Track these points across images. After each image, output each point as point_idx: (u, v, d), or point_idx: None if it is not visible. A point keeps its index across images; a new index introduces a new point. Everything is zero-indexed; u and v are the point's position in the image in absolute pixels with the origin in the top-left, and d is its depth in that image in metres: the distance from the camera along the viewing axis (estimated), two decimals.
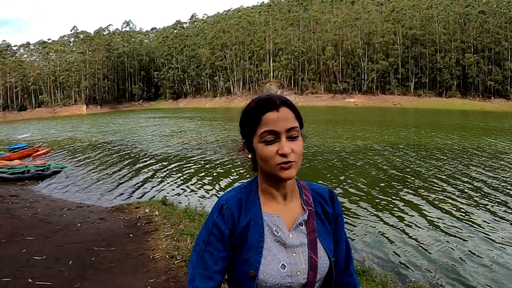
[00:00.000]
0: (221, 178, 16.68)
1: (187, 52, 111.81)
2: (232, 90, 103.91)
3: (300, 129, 1.42)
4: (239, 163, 19.57)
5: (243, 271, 1.38)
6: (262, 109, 1.36)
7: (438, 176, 16.16)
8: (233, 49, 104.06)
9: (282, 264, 1.37)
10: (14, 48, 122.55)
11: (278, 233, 1.40)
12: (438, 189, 14.25)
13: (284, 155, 1.32)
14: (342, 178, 16.23)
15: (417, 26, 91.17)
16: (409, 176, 16.23)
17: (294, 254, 1.40)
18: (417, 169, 17.78)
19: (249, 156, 1.46)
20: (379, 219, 11.17)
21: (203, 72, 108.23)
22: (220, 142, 28.63)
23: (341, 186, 14.92)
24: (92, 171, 19.26)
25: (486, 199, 12.96)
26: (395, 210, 11.95)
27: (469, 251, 8.98)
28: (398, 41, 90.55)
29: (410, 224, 10.77)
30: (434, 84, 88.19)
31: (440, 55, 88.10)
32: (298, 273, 1.38)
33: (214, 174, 17.69)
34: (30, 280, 5.22)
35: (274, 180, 1.42)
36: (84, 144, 30.75)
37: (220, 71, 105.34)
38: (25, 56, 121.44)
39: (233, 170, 18.17)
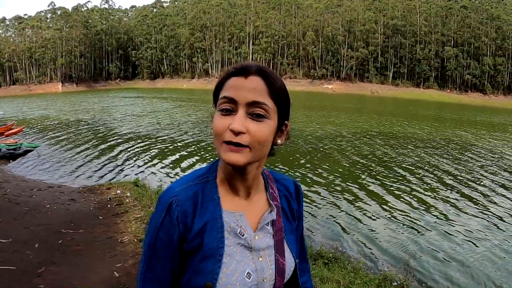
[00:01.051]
0: (196, 159, 16.77)
1: (166, 32, 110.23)
2: (210, 71, 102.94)
3: (284, 120, 1.21)
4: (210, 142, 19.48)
5: (196, 282, 1.14)
6: (231, 74, 1.16)
7: (406, 165, 16.47)
8: (213, 30, 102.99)
9: (248, 272, 1.17)
10: None
11: (243, 235, 1.19)
12: (402, 178, 14.57)
13: (233, 132, 1.08)
14: (303, 161, 16.46)
15: (399, 17, 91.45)
16: (376, 165, 16.46)
17: (260, 259, 1.21)
18: (382, 157, 18.08)
19: None
20: (346, 206, 11.34)
21: (181, 52, 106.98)
22: (194, 123, 28.60)
23: (303, 170, 15.08)
24: (65, 150, 18.98)
25: (450, 189, 13.31)
26: (360, 197, 12.17)
27: (441, 241, 9.19)
28: (379, 30, 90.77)
29: (382, 212, 10.98)
30: (413, 74, 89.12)
31: (420, 46, 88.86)
32: (265, 279, 1.21)
33: (189, 154, 17.70)
34: None
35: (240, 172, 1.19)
36: (57, 122, 30.16)
37: (199, 52, 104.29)
38: (0, 31, 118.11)
39: (208, 149, 18.24)
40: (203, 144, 20.38)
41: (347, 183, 13.67)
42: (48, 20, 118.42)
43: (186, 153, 18.11)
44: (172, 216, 1.13)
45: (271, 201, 1.29)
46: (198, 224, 1.14)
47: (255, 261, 1.19)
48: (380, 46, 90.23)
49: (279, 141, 1.23)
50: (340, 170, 15.52)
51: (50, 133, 24.80)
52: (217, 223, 1.16)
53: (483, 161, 18.24)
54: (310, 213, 10.55)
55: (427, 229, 9.86)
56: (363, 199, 12.02)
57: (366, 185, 13.51)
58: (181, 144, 19.89)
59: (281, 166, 15.26)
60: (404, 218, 10.59)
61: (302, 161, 16.45)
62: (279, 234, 1.27)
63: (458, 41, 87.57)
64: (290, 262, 1.28)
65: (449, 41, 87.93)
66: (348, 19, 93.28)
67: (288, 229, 1.32)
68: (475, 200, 12.39)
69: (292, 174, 14.49)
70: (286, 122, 1.23)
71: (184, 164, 15.98)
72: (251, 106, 1.10)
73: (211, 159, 16.97)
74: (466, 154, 19.73)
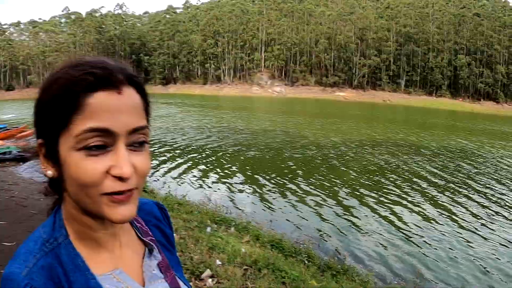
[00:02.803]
0: (206, 166, 16.73)
1: (178, 38, 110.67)
2: (222, 78, 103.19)
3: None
4: (221, 148, 19.53)
5: None
6: (89, 85, 0.76)
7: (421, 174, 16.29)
8: (225, 36, 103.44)
9: None
10: (4, 27, 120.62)
11: None
12: (414, 190, 14.41)
13: (121, 179, 0.77)
14: (307, 171, 16.44)
15: (411, 24, 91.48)
16: (387, 175, 16.39)
17: None
18: (394, 167, 17.95)
19: (48, 172, 0.83)
20: (355, 217, 11.25)
21: (194, 58, 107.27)
22: (202, 128, 28.67)
23: (310, 180, 15.02)
24: None
25: (462, 203, 13.14)
26: (369, 209, 12.06)
27: (455, 256, 9.03)
28: (391, 38, 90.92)
29: (390, 224, 10.87)
30: (425, 82, 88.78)
31: (433, 54, 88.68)
32: None
33: (199, 162, 17.65)
34: None
35: (98, 217, 0.83)
36: None
37: (211, 58, 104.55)
38: (15, 35, 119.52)
39: (214, 159, 18.24)
40: (212, 149, 20.37)
41: (355, 194, 13.56)
42: (62, 25, 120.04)
43: (198, 160, 18.07)
44: None
45: (144, 239, 0.99)
46: None
47: None
48: (393, 54, 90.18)
49: None
50: (349, 180, 15.45)
51: None
52: None
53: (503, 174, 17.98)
54: (318, 224, 10.49)
55: (438, 243, 9.68)
56: (372, 211, 11.90)
57: (376, 197, 13.34)
58: (195, 153, 19.90)
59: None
60: (414, 231, 10.44)
61: (308, 170, 16.45)
62: (169, 273, 1.00)
63: (471, 49, 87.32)
64: None
65: (462, 49, 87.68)
66: (360, 26, 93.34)
67: (173, 261, 1.06)
68: (491, 214, 12.16)
69: (297, 184, 14.45)
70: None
71: (196, 171, 15.93)
72: (133, 134, 0.80)
73: (215, 163, 16.89)
74: (482, 165, 19.52)
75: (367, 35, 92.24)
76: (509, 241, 9.91)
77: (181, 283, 1.01)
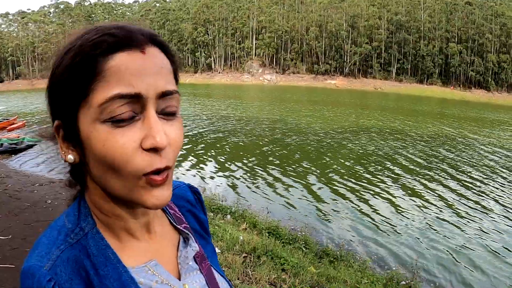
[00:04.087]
0: (200, 155, 16.73)
1: (169, 27, 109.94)
2: (213, 66, 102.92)
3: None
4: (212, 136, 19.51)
5: None
6: (108, 47, 0.66)
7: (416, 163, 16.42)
8: (215, 25, 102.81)
9: None
10: None
11: None
12: (410, 175, 14.56)
13: (156, 150, 0.67)
14: (301, 157, 16.45)
15: (403, 12, 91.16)
16: (382, 161, 16.51)
17: None
18: (389, 153, 17.99)
19: (69, 156, 0.73)
20: (352, 203, 11.38)
21: (184, 47, 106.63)
22: (195, 117, 28.56)
23: (305, 167, 15.02)
24: None
25: (459, 187, 13.33)
26: (365, 195, 12.20)
27: (454, 243, 9.13)
28: (383, 25, 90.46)
29: (388, 210, 11.02)
30: (416, 70, 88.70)
31: (424, 42, 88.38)
32: None
33: (193, 151, 17.56)
34: None
35: (128, 204, 0.76)
36: None
37: (202, 47, 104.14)
38: (3, 26, 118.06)
39: (208, 148, 18.15)
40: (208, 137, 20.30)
41: (351, 180, 13.62)
42: (51, 15, 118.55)
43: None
44: None
45: (178, 226, 0.90)
46: None
47: None
48: (384, 42, 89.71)
49: None
50: (344, 167, 15.62)
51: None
52: None
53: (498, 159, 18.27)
54: (313, 211, 10.58)
55: (435, 228, 9.83)
56: (368, 197, 11.98)
57: (372, 183, 13.46)
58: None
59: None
60: (411, 216, 10.58)
61: (301, 157, 16.60)
62: (205, 264, 0.91)
63: (462, 38, 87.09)
64: None
65: (453, 37, 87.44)
66: (351, 14, 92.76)
67: (208, 250, 0.98)
68: (486, 198, 12.40)
69: (293, 171, 14.55)
70: None
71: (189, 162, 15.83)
72: (163, 98, 0.70)
73: (210, 153, 16.91)
74: (473, 151, 19.81)
75: (358, 22, 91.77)
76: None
77: (216, 274, 0.93)
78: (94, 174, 0.71)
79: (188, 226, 0.93)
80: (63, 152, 0.74)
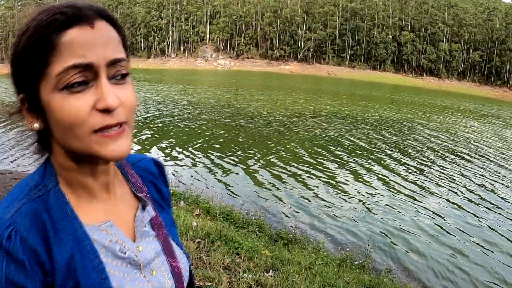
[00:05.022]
0: (150, 140, 16.70)
1: (121, 10, 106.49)
2: (166, 51, 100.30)
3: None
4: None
5: None
6: (60, 24, 0.74)
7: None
8: (169, 9, 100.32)
9: None
10: None
11: (125, 253, 0.84)
12: (359, 157, 15.08)
13: (107, 110, 0.74)
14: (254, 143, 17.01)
15: (357, 0, 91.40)
16: (331, 145, 17.22)
17: (154, 273, 0.89)
18: (338, 138, 18.79)
19: (35, 125, 0.80)
20: (303, 186, 11.67)
21: (137, 31, 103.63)
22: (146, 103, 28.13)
23: (256, 153, 14.83)
24: (21, 134, 16.19)
25: (409, 169, 13.99)
26: (316, 177, 12.54)
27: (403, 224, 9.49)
28: (337, 12, 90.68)
29: (339, 192, 11.39)
30: (369, 57, 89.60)
31: (378, 30, 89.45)
32: None
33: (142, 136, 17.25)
34: None
35: (88, 162, 0.82)
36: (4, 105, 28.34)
37: (155, 31, 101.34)
38: None
39: (159, 132, 18.08)
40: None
41: (301, 163, 13.93)
42: None
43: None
44: (17, 259, 0.71)
45: (138, 194, 0.95)
46: (61, 260, 0.75)
47: (150, 280, 0.87)
48: (338, 29, 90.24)
49: None
50: (296, 151, 15.86)
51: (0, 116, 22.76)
52: (85, 248, 0.78)
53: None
54: (267, 195, 10.73)
55: (386, 210, 10.23)
56: (320, 180, 12.27)
57: (324, 166, 13.84)
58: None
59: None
60: (361, 198, 10.96)
61: (255, 142, 16.85)
62: (162, 232, 0.96)
63: (415, 27, 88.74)
64: (184, 262, 0.99)
65: (407, 26, 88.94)
66: (306, 0, 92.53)
67: (167, 220, 1.02)
68: (427, 180, 13.12)
69: (245, 156, 14.69)
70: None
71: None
72: (113, 65, 0.77)
73: (161, 137, 16.80)
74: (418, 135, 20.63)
75: (313, 9, 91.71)
76: None
77: (173, 243, 0.97)
78: (57, 137, 0.78)
79: (148, 195, 0.97)
80: (29, 122, 0.80)
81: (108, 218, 0.85)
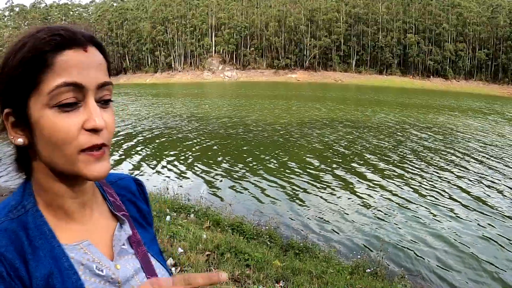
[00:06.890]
0: (162, 155, 16.57)
1: (127, 27, 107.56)
2: (173, 65, 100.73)
3: None
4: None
5: None
6: (57, 44, 0.78)
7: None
8: (174, 23, 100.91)
9: None
10: None
11: (102, 271, 0.84)
12: (369, 165, 14.81)
13: (95, 130, 0.78)
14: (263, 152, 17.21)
15: (361, 5, 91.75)
16: (342, 152, 17.35)
17: None
18: (348, 144, 18.53)
19: (18, 139, 0.81)
20: (314, 195, 11.54)
21: (143, 47, 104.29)
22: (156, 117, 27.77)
23: (266, 162, 14.99)
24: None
25: (419, 176, 13.36)
26: (326, 186, 12.40)
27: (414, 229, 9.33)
28: (341, 19, 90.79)
29: (351, 200, 11.26)
30: (375, 62, 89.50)
31: (382, 34, 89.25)
32: None
33: (155, 151, 17.40)
34: None
35: (68, 181, 0.84)
36: None
37: (161, 46, 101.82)
38: None
39: (170, 147, 17.89)
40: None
41: (312, 172, 13.81)
42: (6, 19, 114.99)
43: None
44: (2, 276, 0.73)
45: (116, 213, 0.96)
46: (40, 276, 0.76)
47: None
48: (343, 35, 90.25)
49: None
50: (304, 159, 15.69)
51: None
52: (63, 265, 0.79)
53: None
54: (276, 204, 10.67)
55: (398, 215, 10.07)
56: (330, 188, 12.18)
57: (333, 173, 13.76)
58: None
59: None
60: (373, 205, 10.78)
61: (263, 152, 16.78)
62: (141, 249, 0.96)
63: (420, 28, 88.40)
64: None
65: (411, 28, 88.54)
66: (310, 8, 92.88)
67: (148, 238, 1.02)
68: (441, 185, 12.64)
69: (254, 166, 14.69)
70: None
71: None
72: (101, 89, 0.82)
73: (171, 152, 16.72)
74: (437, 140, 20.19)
75: (317, 16, 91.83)
76: None
77: (153, 261, 0.97)
78: (43, 154, 0.80)
79: (127, 214, 0.99)
80: (12, 137, 0.81)
81: (86, 238, 0.86)
